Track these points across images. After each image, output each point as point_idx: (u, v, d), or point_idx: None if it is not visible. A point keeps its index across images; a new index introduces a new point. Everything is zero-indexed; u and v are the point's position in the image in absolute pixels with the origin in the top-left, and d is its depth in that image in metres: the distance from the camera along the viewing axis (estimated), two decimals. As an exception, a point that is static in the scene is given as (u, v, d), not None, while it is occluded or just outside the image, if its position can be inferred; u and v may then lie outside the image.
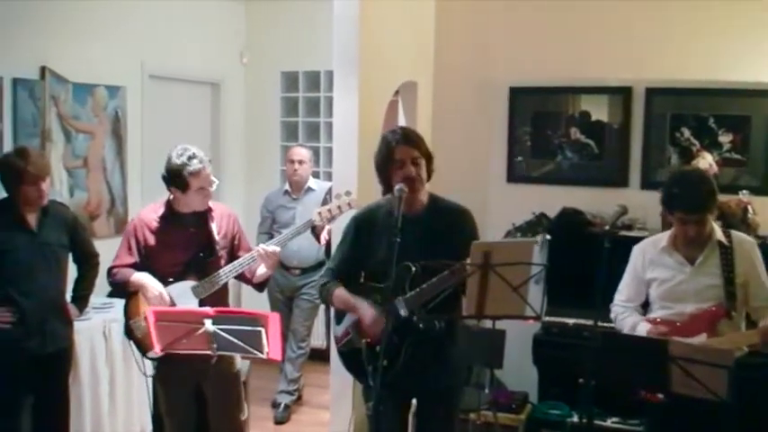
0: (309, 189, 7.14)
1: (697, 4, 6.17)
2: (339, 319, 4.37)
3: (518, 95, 6.78)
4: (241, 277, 4.83)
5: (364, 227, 4.27)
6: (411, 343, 4.02)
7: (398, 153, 4.07)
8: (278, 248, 4.68)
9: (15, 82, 6.04)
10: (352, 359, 4.26)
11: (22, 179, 4.87)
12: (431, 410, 4.27)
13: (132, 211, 7.17)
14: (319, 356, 7.57)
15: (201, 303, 4.59)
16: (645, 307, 4.50)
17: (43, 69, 6.26)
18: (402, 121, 6.91)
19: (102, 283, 5.62)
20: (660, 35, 6.29)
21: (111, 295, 6.40)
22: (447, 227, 4.13)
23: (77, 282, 5.43)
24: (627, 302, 4.50)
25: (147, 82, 7.42)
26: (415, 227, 4.05)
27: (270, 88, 8.73)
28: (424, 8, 6.88)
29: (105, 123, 6.95)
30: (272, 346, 4.08)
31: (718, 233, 4.26)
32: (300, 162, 7.10)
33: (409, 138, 4.14)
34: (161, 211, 4.75)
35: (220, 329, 4.08)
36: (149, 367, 4.84)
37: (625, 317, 4.46)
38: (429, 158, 4.18)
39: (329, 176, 7.44)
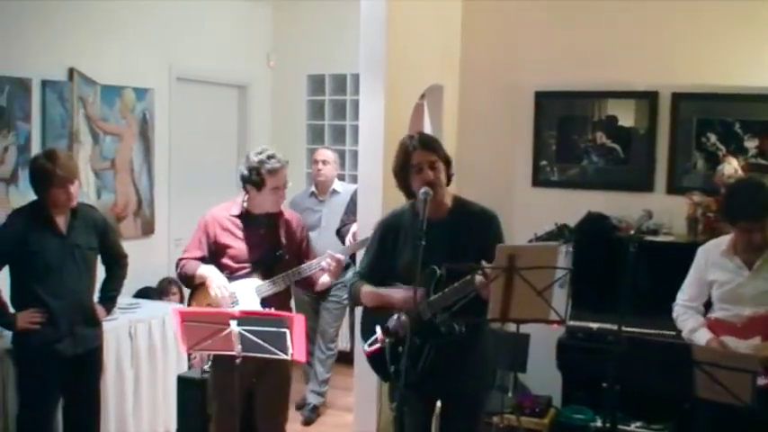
0: (335, 191, 7.16)
1: (724, 9, 6.14)
2: (366, 335, 4.35)
3: (544, 99, 6.77)
4: (304, 283, 4.94)
5: (390, 231, 4.30)
6: (433, 345, 4.04)
7: (416, 158, 4.11)
8: (343, 257, 4.81)
9: (44, 84, 6.10)
10: (378, 359, 4.27)
11: (51, 182, 4.90)
12: (454, 413, 4.29)
13: (159, 213, 7.23)
14: (344, 359, 7.58)
15: (263, 303, 4.69)
16: (707, 307, 4.55)
17: (71, 71, 6.32)
18: (428, 125, 6.91)
19: (127, 284, 5.69)
20: (687, 40, 6.26)
21: (137, 296, 6.48)
22: (471, 230, 4.14)
23: (105, 282, 5.47)
24: (689, 302, 4.57)
25: (175, 84, 7.47)
26: (440, 230, 4.05)
27: (296, 91, 8.77)
28: (450, 12, 6.89)
29: (133, 125, 7.01)
30: (296, 347, 4.13)
31: None
32: (324, 162, 7.13)
33: (426, 142, 4.19)
34: (234, 209, 4.87)
35: (246, 330, 4.12)
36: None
37: (685, 319, 4.53)
38: (447, 163, 4.21)
39: (355, 179, 7.44)
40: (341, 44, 8.12)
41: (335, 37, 8.27)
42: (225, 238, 4.82)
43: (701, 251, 4.58)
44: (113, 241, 5.47)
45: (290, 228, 4.92)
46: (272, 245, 4.83)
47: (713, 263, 4.45)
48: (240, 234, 4.82)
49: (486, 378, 4.40)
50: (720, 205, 4.45)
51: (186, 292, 5.30)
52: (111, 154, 6.79)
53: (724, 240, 4.48)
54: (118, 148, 6.85)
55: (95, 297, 5.36)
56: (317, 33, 8.54)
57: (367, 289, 4.30)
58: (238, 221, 4.84)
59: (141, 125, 7.09)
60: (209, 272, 4.76)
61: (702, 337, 4.34)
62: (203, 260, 4.84)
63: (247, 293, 4.73)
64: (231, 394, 4.63)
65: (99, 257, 5.36)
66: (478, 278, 3.89)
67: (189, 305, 4.93)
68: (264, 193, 4.76)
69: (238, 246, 4.81)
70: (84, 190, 6.33)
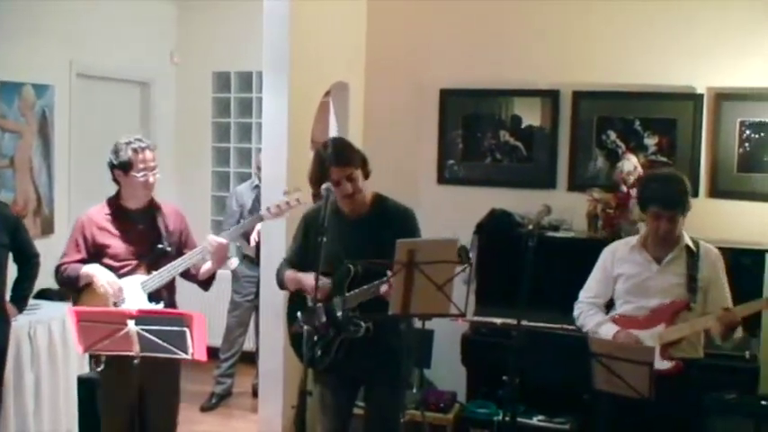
0: None
1: (624, 10, 6.27)
2: (289, 320, 4.49)
3: (449, 98, 6.81)
4: (187, 274, 4.79)
5: (312, 225, 4.37)
6: (345, 339, 4.19)
7: (333, 174, 4.21)
8: (225, 241, 4.66)
9: (-61, 80, 5.96)
10: (299, 341, 4.35)
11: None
12: (375, 393, 4.45)
13: (59, 212, 7.10)
14: (250, 359, 7.54)
15: (150, 298, 4.58)
16: (608, 307, 4.60)
17: (-32, 67, 6.19)
18: (333, 123, 6.92)
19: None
20: (587, 39, 6.38)
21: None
22: (390, 227, 4.24)
23: (18, 282, 5.41)
24: (594, 299, 4.58)
25: (76, 81, 7.32)
26: (360, 227, 4.27)
27: (201, 88, 8.67)
28: (355, 9, 6.89)
29: (33, 123, 6.86)
30: (197, 346, 4.06)
31: (687, 239, 4.38)
32: None
33: (341, 158, 4.25)
34: (107, 209, 4.70)
35: (144, 330, 4.04)
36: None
37: (590, 314, 4.54)
38: (364, 163, 4.33)
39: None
40: (246, 41, 8.03)
41: (241, 34, 8.19)
42: (103, 238, 4.64)
43: (606, 250, 4.62)
44: (25, 239, 5.39)
45: (168, 220, 4.78)
46: (152, 239, 4.69)
47: (620, 258, 4.50)
48: (118, 232, 4.66)
49: (401, 366, 4.42)
50: (637, 191, 4.52)
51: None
52: (10, 152, 6.64)
53: (633, 238, 4.57)
54: (17, 146, 6.71)
55: (6, 296, 5.29)
56: (222, 30, 8.46)
57: (289, 273, 4.45)
58: (115, 219, 4.67)
59: (41, 122, 6.94)
60: (94, 269, 4.58)
61: (609, 330, 4.35)
62: (84, 262, 4.65)
63: (133, 290, 4.58)
64: (122, 394, 4.56)
65: (10, 256, 5.28)
66: (384, 287, 4.02)
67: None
68: (132, 177, 4.58)
69: (118, 244, 4.64)
70: (-17, 189, 6.21)
